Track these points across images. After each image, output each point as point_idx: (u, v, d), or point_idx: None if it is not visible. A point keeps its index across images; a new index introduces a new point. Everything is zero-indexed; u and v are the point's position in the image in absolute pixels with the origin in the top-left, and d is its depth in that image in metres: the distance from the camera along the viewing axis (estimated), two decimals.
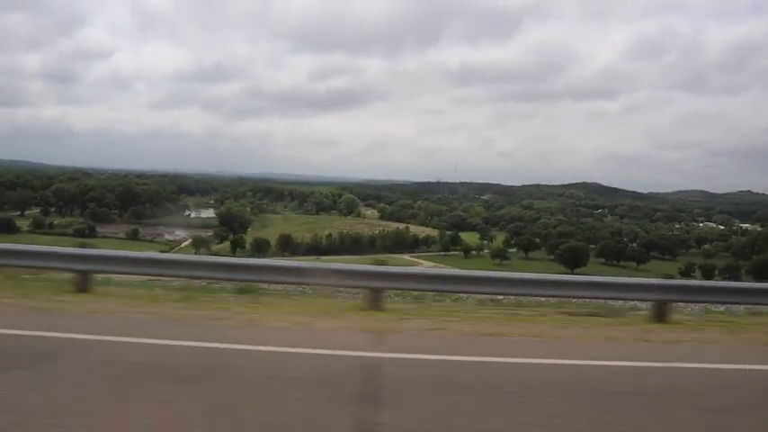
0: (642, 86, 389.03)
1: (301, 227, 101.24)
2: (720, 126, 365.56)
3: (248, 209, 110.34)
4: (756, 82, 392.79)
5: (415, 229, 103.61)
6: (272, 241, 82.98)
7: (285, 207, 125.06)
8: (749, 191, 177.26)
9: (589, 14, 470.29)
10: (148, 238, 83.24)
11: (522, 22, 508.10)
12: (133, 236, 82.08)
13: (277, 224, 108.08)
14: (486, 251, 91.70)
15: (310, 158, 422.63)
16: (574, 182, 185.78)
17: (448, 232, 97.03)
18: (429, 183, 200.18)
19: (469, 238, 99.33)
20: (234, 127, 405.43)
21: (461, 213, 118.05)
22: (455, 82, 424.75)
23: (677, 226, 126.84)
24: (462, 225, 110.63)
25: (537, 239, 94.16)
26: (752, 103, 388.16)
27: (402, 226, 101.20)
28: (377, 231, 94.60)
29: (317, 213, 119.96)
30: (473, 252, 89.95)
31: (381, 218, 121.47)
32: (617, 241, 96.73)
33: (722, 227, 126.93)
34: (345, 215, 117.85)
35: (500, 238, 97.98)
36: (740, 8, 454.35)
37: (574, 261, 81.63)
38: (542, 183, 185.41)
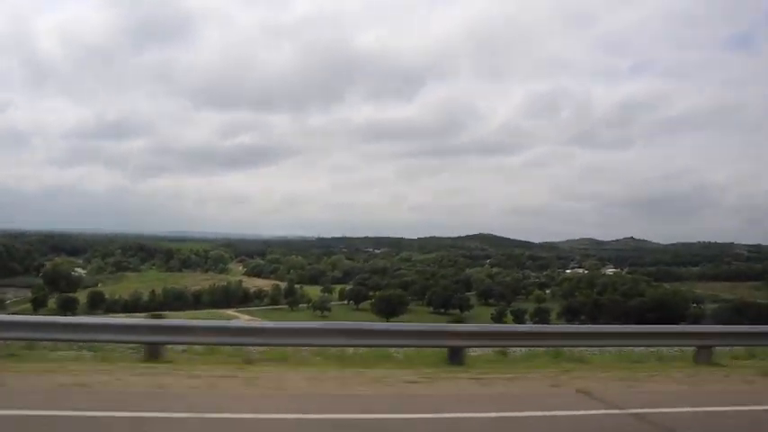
0: (541, 142, 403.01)
1: (148, 284, 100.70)
2: (612, 178, 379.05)
3: (80, 269, 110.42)
4: (639, 137, 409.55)
5: (262, 282, 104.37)
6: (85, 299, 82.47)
7: (153, 265, 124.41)
8: (632, 237, 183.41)
9: (485, 74, 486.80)
10: None
11: (425, 81, 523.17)
12: None
13: (130, 282, 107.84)
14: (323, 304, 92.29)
15: (223, 216, 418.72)
16: (473, 233, 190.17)
17: (283, 286, 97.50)
18: (335, 238, 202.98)
19: (313, 291, 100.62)
20: (140, 185, 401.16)
21: (319, 267, 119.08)
22: (363, 139, 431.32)
23: (545, 273, 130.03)
24: (319, 278, 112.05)
25: (371, 292, 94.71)
26: (636, 156, 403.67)
27: (235, 280, 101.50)
28: (207, 286, 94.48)
29: (180, 270, 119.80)
30: (302, 305, 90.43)
31: (246, 273, 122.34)
32: (453, 290, 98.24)
33: (586, 271, 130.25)
34: (205, 271, 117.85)
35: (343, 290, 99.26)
36: (622, 69, 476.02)
37: (389, 310, 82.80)
38: (439, 235, 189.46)
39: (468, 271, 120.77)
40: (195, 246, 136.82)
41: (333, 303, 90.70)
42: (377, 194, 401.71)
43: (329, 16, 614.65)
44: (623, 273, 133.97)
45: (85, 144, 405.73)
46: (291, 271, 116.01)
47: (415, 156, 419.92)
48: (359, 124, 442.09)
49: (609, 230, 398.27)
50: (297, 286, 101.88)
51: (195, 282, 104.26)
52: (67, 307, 77.45)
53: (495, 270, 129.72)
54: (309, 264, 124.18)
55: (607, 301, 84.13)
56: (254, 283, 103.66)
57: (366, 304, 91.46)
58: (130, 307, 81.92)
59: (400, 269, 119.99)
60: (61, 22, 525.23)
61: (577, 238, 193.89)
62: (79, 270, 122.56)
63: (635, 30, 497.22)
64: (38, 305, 77.10)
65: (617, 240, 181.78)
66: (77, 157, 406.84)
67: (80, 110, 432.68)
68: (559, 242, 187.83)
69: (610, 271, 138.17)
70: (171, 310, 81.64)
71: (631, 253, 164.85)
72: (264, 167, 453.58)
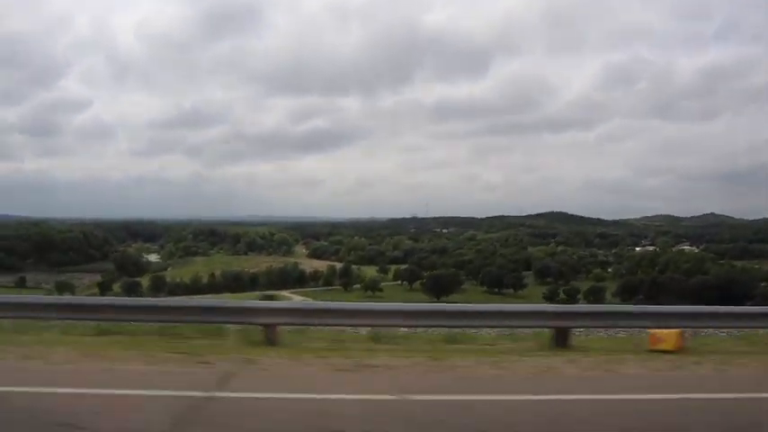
0: (617, 115, 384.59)
1: (213, 267, 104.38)
2: (693, 151, 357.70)
3: (155, 254, 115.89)
4: (724, 108, 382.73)
5: (319, 264, 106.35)
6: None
7: (221, 249, 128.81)
8: (712, 213, 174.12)
9: (557, 48, 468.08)
10: (33, 284, 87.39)
11: (493, 58, 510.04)
12: (20, 284, 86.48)
13: (197, 265, 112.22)
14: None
15: (296, 200, 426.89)
16: (543, 211, 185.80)
17: (339, 267, 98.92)
18: (405, 219, 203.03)
19: (370, 271, 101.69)
20: (217, 171, 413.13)
21: (379, 248, 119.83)
22: (433, 119, 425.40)
23: (613, 251, 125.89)
24: (378, 258, 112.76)
25: (425, 272, 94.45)
26: (721, 128, 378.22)
27: (292, 262, 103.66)
28: (265, 268, 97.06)
29: (246, 253, 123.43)
30: (356, 286, 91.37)
31: (308, 255, 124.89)
32: (512, 269, 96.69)
33: (657, 249, 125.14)
34: (269, 254, 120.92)
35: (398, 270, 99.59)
36: (706, 35, 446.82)
37: (439, 289, 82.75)
38: (508, 213, 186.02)
39: (529, 249, 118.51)
40: (262, 229, 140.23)
41: (386, 284, 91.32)
42: (447, 174, 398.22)
43: None
44: (697, 250, 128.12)
45: (165, 134, 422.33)
46: (352, 252, 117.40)
47: (485, 134, 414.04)
48: (428, 104, 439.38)
49: (688, 206, 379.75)
50: (354, 267, 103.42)
51: (257, 264, 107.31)
52: (131, 291, 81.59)
53: (559, 248, 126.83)
54: (370, 245, 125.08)
55: (667, 279, 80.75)
56: (312, 265, 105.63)
57: (419, 284, 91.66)
58: (191, 290, 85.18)
59: (460, 248, 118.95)
60: (139, 18, 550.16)
61: (652, 214, 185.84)
62: (153, 255, 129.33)
63: None
64: (104, 289, 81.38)
65: (696, 217, 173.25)
66: (157, 147, 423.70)
67: (159, 101, 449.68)
68: (634, 219, 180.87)
69: (684, 248, 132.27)
70: (229, 291, 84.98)
71: (711, 229, 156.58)
72: (336, 151, 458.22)
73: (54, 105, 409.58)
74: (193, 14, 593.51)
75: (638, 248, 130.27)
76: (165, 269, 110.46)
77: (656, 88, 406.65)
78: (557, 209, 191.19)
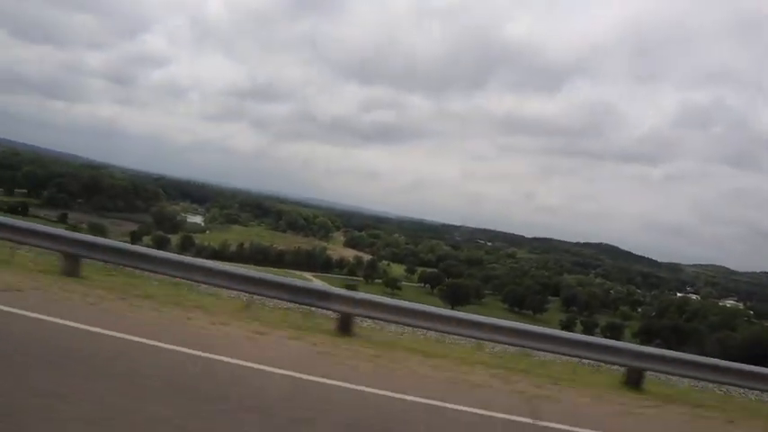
0: (687, 156, 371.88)
1: (249, 237, 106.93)
2: (761, 205, 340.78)
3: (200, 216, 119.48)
4: None
5: (350, 253, 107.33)
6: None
7: (261, 223, 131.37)
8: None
9: (635, 77, 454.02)
10: (73, 222, 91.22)
11: (569, 78, 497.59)
12: (62, 219, 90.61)
13: (235, 233, 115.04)
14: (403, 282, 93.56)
15: (353, 189, 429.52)
16: (593, 242, 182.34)
17: (369, 258, 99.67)
18: (454, 225, 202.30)
19: (398, 269, 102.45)
20: (280, 148, 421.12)
21: (414, 248, 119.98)
22: (499, 130, 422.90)
23: (652, 293, 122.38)
24: (409, 258, 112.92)
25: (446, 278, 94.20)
26: None
27: (321, 246, 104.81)
28: (293, 248, 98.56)
29: (284, 231, 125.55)
30: (378, 280, 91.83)
31: (345, 243, 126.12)
32: (538, 291, 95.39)
33: (698, 298, 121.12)
34: (306, 236, 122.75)
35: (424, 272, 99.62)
36: None
37: (455, 298, 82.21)
38: (558, 238, 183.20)
39: (564, 276, 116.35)
40: (305, 211, 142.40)
41: (409, 284, 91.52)
42: (504, 188, 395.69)
43: (481, 3, 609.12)
44: (742, 306, 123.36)
45: (235, 103, 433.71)
46: (386, 248, 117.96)
47: (549, 154, 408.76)
48: (497, 114, 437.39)
49: (745, 261, 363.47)
50: (384, 262, 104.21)
51: (291, 243, 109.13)
52: (160, 245, 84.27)
53: (597, 280, 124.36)
54: (407, 244, 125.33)
55: (690, 328, 77.98)
56: (343, 253, 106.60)
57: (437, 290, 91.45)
58: (217, 255, 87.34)
59: (495, 263, 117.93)
60: None
61: (706, 263, 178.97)
62: (198, 217, 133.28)
63: None
64: (135, 239, 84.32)
65: (752, 273, 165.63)
66: (226, 114, 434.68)
67: (235, 70, 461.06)
68: (686, 264, 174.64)
69: (727, 303, 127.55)
70: (254, 263, 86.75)
71: (764, 289, 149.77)
72: (398, 146, 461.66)
73: (136, 58, 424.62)
74: None
75: (679, 294, 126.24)
76: (204, 231, 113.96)
77: (732, 135, 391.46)
78: (607, 240, 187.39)
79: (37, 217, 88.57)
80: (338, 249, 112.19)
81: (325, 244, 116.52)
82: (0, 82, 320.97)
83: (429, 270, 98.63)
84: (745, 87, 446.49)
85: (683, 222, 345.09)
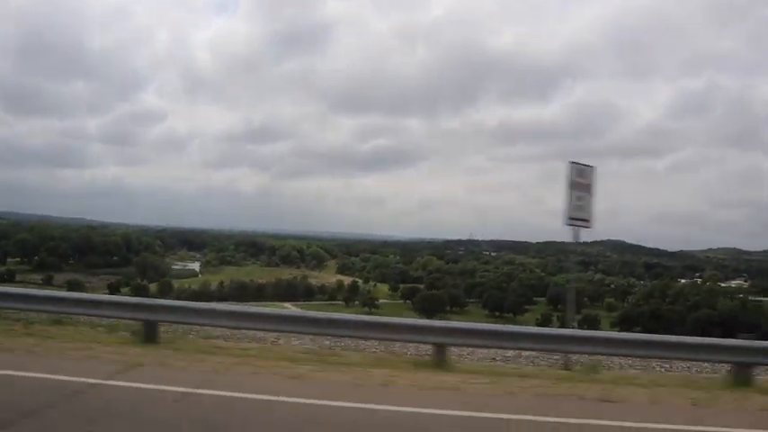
0: (689, 143, 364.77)
1: (238, 276, 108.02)
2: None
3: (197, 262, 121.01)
4: None
5: (342, 279, 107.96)
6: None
7: (256, 261, 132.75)
8: None
9: (627, 73, 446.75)
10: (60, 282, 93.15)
11: (560, 82, 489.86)
12: (47, 281, 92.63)
13: (228, 274, 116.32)
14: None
15: (358, 217, 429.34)
16: (600, 239, 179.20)
17: (350, 281, 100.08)
18: (460, 240, 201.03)
19: (382, 288, 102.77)
20: (282, 186, 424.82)
21: (402, 266, 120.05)
22: (496, 141, 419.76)
23: (652, 282, 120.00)
24: (400, 276, 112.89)
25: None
26: None
27: (301, 275, 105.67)
28: (273, 279, 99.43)
29: (278, 266, 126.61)
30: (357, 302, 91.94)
31: (337, 270, 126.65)
32: (522, 294, 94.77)
33: (707, 283, 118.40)
34: (297, 267, 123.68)
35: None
36: None
37: (429, 309, 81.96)
38: (559, 240, 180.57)
39: (558, 276, 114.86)
40: (299, 243, 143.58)
41: (388, 301, 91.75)
42: (507, 198, 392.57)
43: (463, 18, 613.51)
44: (746, 286, 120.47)
45: (234, 148, 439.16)
46: (376, 269, 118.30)
47: (549, 159, 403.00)
48: (492, 126, 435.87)
49: (758, 240, 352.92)
50: (371, 283, 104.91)
51: (280, 275, 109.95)
52: (138, 293, 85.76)
53: (598, 276, 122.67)
54: (396, 263, 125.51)
55: (668, 311, 76.48)
56: (331, 280, 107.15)
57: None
58: (195, 296, 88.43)
59: (487, 271, 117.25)
60: (212, 35, 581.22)
61: (717, 247, 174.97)
62: (197, 264, 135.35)
63: None
64: (113, 290, 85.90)
65: (764, 251, 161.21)
66: (227, 160, 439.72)
67: (229, 115, 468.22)
68: (697, 251, 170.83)
69: (734, 284, 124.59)
70: (233, 300, 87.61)
71: None
72: (398, 170, 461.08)
73: (134, 117, 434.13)
74: (264, 34, 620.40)
75: (683, 280, 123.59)
76: (197, 276, 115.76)
77: (731, 116, 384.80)
78: (615, 237, 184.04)
79: (23, 282, 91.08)
80: (326, 277, 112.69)
81: (315, 273, 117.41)
82: (4, 158, 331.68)
83: (410, 285, 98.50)
84: (736, 67, 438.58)
85: (692, 210, 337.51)
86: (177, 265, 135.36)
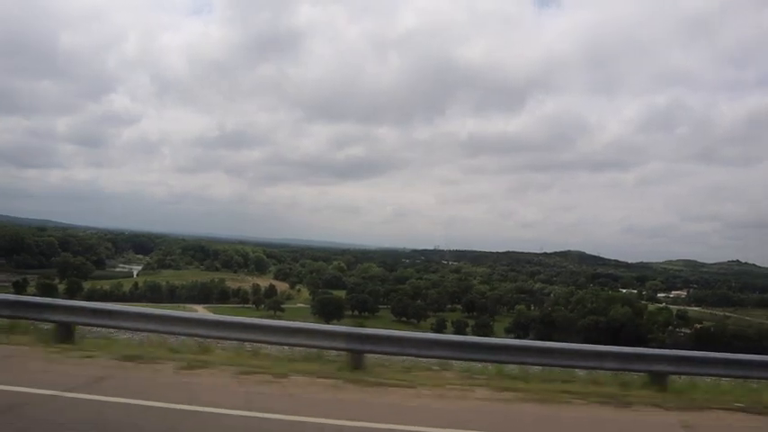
0: (655, 158, 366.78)
1: (174, 279, 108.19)
2: (729, 197, 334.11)
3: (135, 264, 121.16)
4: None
5: (279, 284, 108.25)
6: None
7: (199, 265, 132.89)
8: (737, 261, 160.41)
9: (596, 88, 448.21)
10: None
11: (530, 95, 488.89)
12: None
13: (164, 277, 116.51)
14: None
15: (332, 226, 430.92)
16: (562, 250, 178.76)
17: (263, 286, 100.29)
18: (426, 250, 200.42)
19: (304, 293, 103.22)
20: (256, 192, 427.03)
21: (335, 273, 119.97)
22: (467, 152, 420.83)
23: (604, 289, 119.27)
24: (335, 283, 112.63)
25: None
26: (763, 174, 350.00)
27: (219, 278, 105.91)
28: (188, 283, 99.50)
29: (218, 269, 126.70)
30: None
31: (274, 276, 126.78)
32: (435, 300, 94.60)
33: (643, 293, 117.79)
34: (234, 272, 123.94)
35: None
36: (748, 81, 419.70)
37: (327, 312, 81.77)
38: (527, 250, 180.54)
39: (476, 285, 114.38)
40: (245, 248, 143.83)
41: (293, 306, 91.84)
42: (476, 208, 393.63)
43: (435, 29, 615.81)
44: (684, 295, 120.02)
45: (207, 152, 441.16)
46: (310, 275, 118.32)
47: (518, 170, 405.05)
48: (463, 138, 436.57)
49: (716, 252, 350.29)
50: (296, 288, 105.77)
51: (209, 278, 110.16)
52: (45, 292, 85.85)
53: (537, 285, 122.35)
54: (340, 270, 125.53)
55: (558, 317, 75.87)
56: (251, 283, 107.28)
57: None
58: (107, 296, 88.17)
59: (420, 278, 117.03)
60: (185, 40, 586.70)
61: (676, 259, 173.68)
62: (140, 266, 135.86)
63: (762, 40, 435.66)
64: (19, 288, 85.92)
65: (719, 264, 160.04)
66: (199, 164, 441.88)
67: (203, 120, 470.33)
68: (654, 263, 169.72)
69: (674, 294, 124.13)
70: (147, 301, 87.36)
71: (731, 277, 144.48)
72: (371, 179, 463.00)
73: (104, 118, 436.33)
74: (238, 39, 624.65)
75: (623, 290, 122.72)
76: (132, 277, 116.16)
77: (696, 133, 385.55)
78: (576, 248, 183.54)
79: None
80: (259, 281, 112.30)
81: (249, 278, 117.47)
82: None
83: (324, 290, 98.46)
84: (700, 86, 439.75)
85: (658, 222, 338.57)
86: (123, 268, 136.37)
